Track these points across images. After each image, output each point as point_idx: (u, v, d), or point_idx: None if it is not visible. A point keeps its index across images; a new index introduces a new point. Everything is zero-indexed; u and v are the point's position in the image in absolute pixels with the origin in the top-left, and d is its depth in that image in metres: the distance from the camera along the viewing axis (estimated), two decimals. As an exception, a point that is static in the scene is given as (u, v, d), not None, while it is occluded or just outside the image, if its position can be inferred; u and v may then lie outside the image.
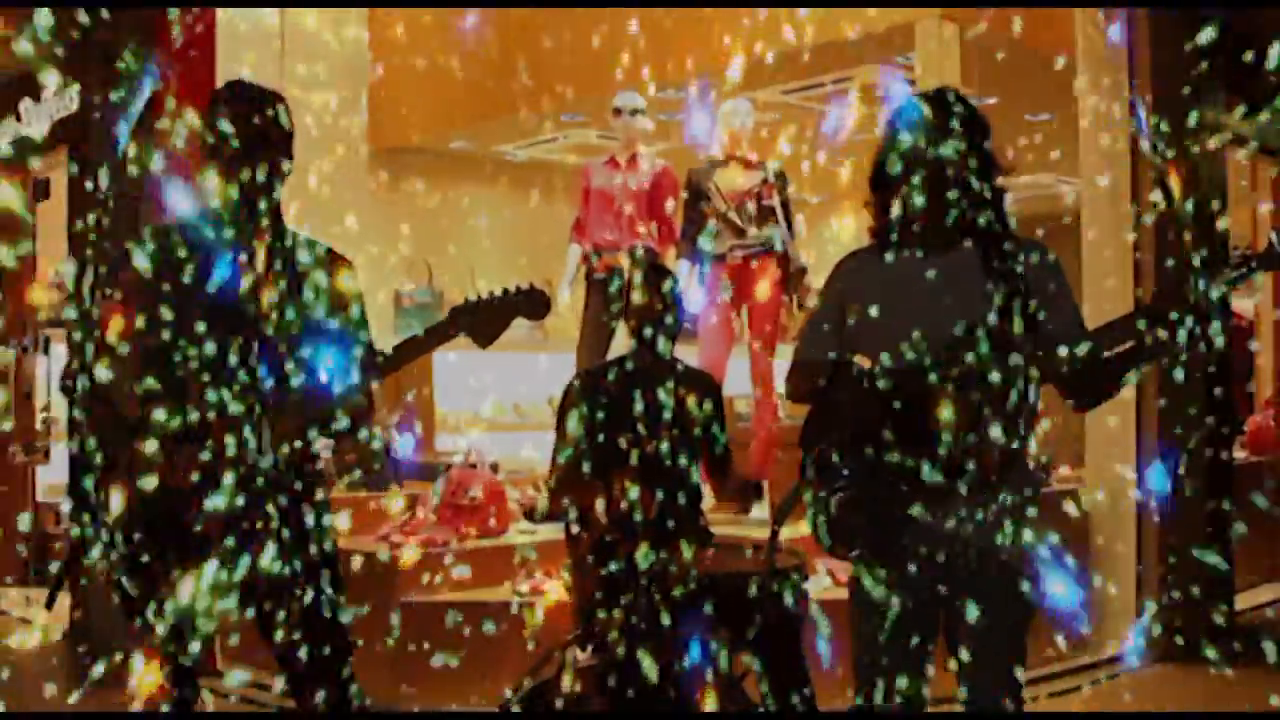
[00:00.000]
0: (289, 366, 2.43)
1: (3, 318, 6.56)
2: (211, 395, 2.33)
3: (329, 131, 5.54)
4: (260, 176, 2.43)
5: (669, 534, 3.17)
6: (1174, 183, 4.00)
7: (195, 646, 2.35)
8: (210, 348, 2.36)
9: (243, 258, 2.44)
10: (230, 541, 2.30)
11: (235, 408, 2.33)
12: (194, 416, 2.31)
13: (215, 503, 2.28)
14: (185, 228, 2.47)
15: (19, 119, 6.10)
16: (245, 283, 2.43)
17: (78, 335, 2.41)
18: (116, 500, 2.27)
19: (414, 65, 6.71)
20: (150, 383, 2.32)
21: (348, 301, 2.53)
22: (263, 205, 2.47)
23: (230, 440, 2.30)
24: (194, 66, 4.29)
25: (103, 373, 2.33)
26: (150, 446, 2.27)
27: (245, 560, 2.32)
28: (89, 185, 4.58)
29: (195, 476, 2.28)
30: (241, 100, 2.46)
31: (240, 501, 2.30)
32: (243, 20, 5.03)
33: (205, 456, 2.29)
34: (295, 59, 5.27)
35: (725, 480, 3.59)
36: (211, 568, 2.28)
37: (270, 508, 2.33)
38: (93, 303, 2.40)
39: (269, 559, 2.33)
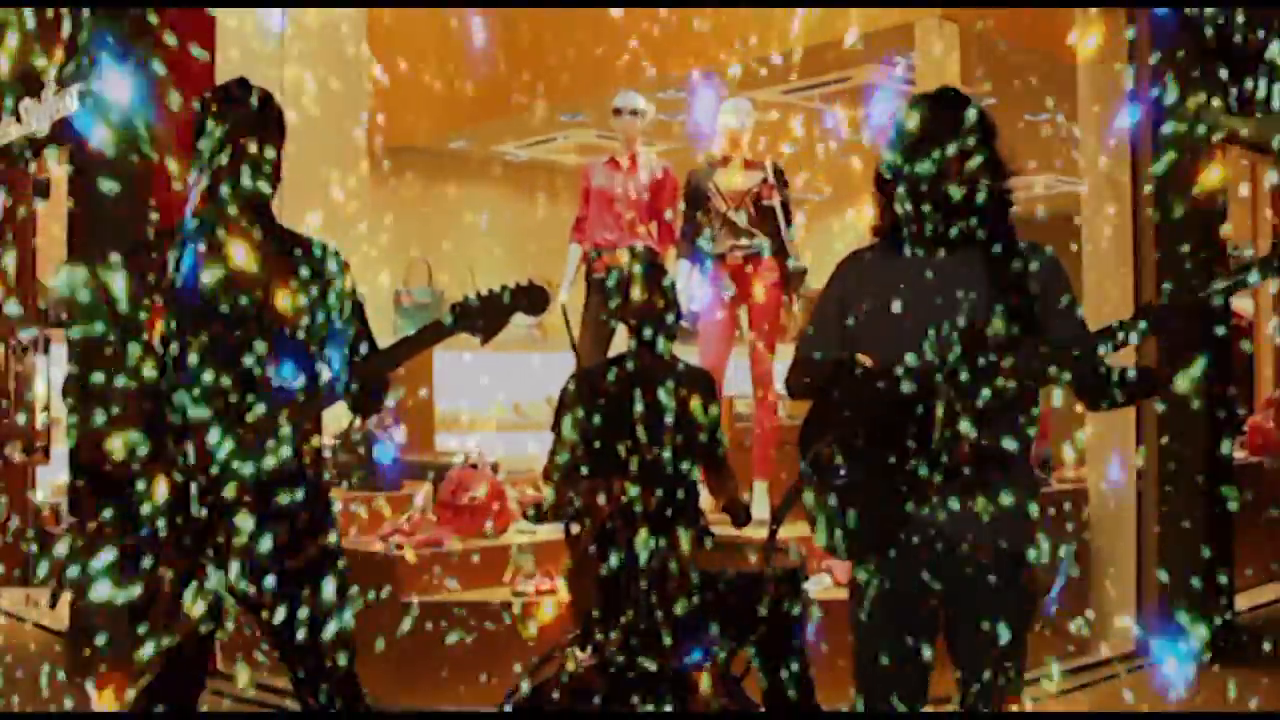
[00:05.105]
0: (319, 367, 2.47)
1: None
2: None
3: (329, 132, 5.53)
4: (245, 168, 2.44)
5: (668, 522, 3.16)
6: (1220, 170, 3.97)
7: (230, 625, 2.42)
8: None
9: (201, 247, 2.43)
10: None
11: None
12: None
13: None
14: (195, 230, 2.48)
15: (19, 119, 6.09)
16: (209, 276, 2.42)
17: (103, 333, 2.41)
18: (162, 488, 2.30)
19: (414, 65, 6.71)
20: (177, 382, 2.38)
21: (359, 304, 2.57)
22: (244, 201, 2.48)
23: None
24: (194, 68, 4.28)
25: (149, 372, 2.36)
26: (189, 443, 2.35)
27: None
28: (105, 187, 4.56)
29: (215, 470, 2.35)
30: (241, 100, 2.46)
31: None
32: (243, 21, 5.03)
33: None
34: (296, 59, 5.26)
35: (722, 484, 3.56)
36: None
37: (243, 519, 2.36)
38: (134, 305, 2.39)
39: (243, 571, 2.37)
